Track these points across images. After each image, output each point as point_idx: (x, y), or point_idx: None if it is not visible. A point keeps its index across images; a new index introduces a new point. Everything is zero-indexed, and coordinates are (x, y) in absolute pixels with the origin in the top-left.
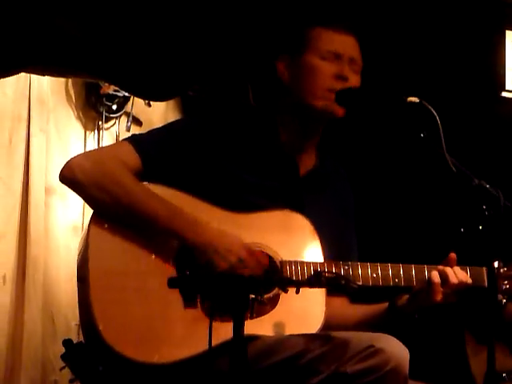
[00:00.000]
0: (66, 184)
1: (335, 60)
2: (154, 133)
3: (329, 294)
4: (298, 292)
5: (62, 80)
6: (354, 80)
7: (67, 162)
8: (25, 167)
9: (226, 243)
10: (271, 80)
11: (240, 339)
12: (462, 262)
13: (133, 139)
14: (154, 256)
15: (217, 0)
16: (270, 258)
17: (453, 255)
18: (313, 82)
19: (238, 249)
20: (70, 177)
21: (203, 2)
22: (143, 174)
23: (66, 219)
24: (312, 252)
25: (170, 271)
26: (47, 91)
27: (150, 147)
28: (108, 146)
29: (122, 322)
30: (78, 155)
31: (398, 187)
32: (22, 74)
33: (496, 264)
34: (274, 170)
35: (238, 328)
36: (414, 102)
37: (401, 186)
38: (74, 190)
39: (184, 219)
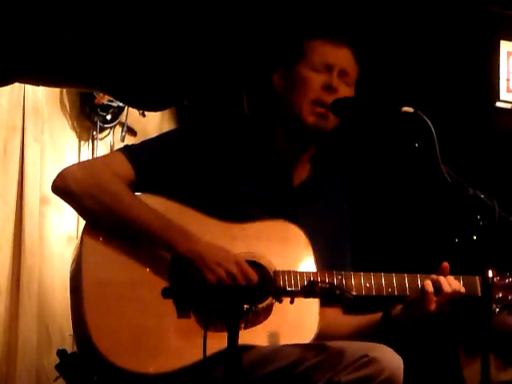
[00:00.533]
0: (58, 194)
1: (325, 71)
2: (147, 142)
3: (322, 304)
4: (292, 302)
5: (57, 90)
6: (344, 92)
7: (60, 173)
8: (19, 177)
9: (216, 256)
10: (268, 91)
11: (234, 349)
12: (456, 272)
13: (126, 149)
14: (147, 266)
15: (213, 9)
16: (264, 268)
17: (446, 264)
18: (300, 94)
19: (227, 262)
20: (63, 186)
21: (199, 12)
22: (137, 184)
23: (61, 229)
24: (306, 262)
25: (164, 281)
26: (42, 101)
27: (143, 157)
28: (101, 157)
29: (115, 333)
30: (70, 166)
31: (392, 197)
32: (17, 84)
33: (490, 273)
34: (267, 180)
35: (233, 338)
36: (408, 112)
37: (396, 196)
38: (66, 200)
39: (176, 231)
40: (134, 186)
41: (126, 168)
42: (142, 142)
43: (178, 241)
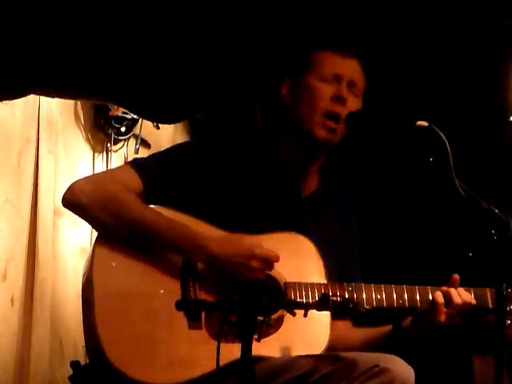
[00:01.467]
0: (68, 208)
1: (334, 82)
2: (157, 155)
3: (333, 317)
4: (306, 315)
5: (71, 102)
6: (353, 103)
7: (69, 187)
8: (33, 189)
9: (232, 257)
10: (276, 103)
11: (248, 361)
12: (470, 286)
13: (135, 162)
14: (158, 277)
15: (225, 22)
16: (274, 280)
17: (456, 276)
18: (309, 104)
19: (245, 260)
20: (72, 200)
21: (212, 24)
22: (146, 197)
23: (74, 241)
24: (316, 274)
25: (175, 292)
26: (56, 113)
27: (152, 170)
28: (110, 170)
29: (127, 344)
30: (79, 179)
31: (407, 211)
32: (31, 96)
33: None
34: (276, 192)
35: (246, 350)
36: (423, 126)
37: (410, 210)
38: (76, 213)
39: (186, 233)
40: (143, 198)
41: (134, 181)
42: (152, 154)
43: (189, 243)
